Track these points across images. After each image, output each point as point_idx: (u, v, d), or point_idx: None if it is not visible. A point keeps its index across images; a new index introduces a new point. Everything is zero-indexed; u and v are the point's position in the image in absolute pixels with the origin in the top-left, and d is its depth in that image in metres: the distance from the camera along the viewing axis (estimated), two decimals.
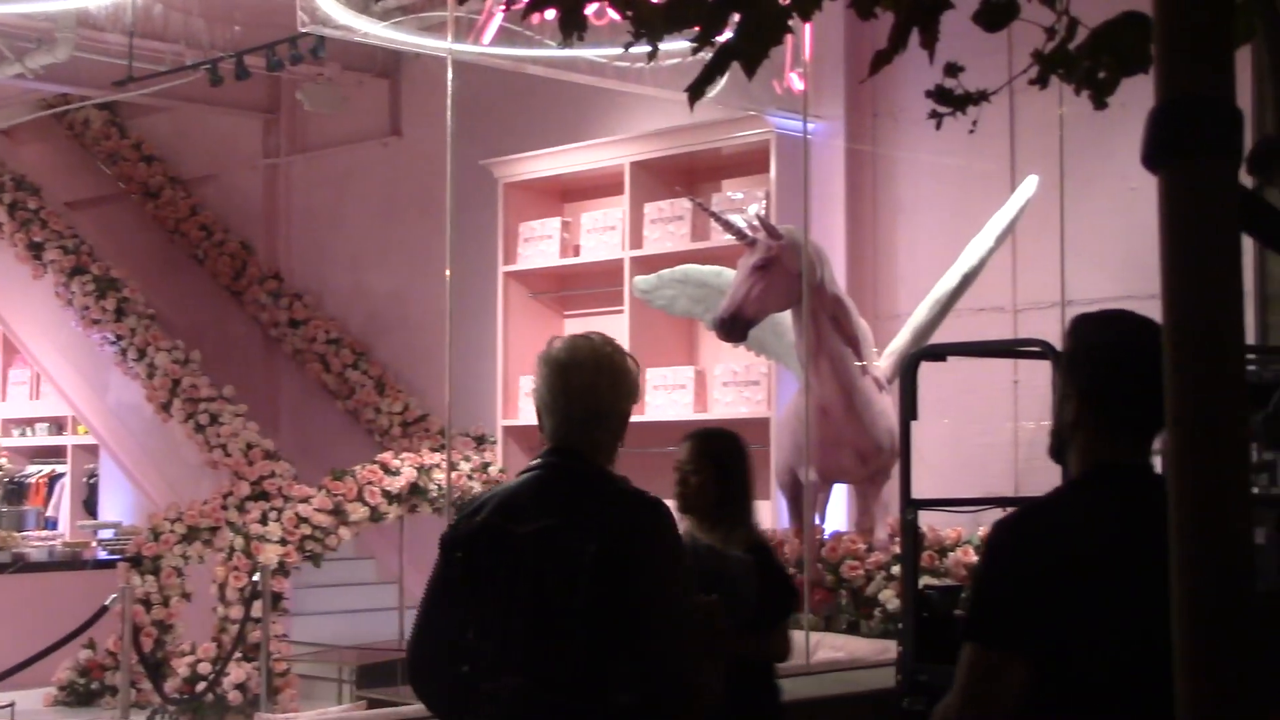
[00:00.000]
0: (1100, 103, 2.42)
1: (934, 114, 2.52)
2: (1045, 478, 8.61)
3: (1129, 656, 2.59)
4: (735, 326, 7.51)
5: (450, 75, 5.67)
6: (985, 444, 8.90)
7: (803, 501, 8.26)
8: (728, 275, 8.17)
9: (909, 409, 5.82)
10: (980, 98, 2.47)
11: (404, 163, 12.29)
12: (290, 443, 11.80)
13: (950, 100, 2.47)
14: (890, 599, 7.40)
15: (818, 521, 7.95)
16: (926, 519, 8.07)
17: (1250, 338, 7.83)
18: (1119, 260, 8.54)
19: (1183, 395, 1.65)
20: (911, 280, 9.29)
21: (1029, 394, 8.82)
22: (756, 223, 7.77)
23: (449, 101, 5.70)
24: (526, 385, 10.63)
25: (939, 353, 5.99)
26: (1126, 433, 2.73)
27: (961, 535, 7.83)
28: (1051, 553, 2.63)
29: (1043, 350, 5.76)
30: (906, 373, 5.83)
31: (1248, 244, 7.38)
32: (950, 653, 5.83)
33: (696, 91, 2.46)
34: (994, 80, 3.16)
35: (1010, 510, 2.85)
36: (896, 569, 7.49)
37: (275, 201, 13.24)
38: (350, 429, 12.11)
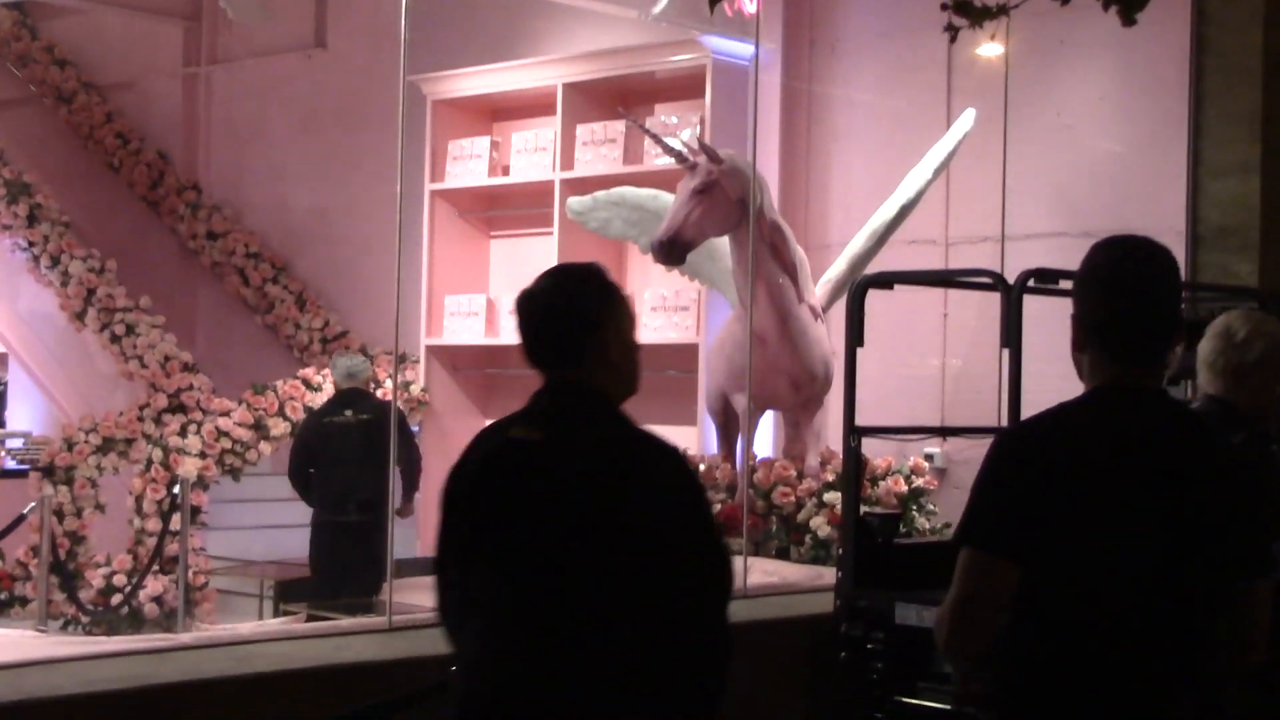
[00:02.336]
0: (1129, 19, 2.39)
1: (950, 27, 2.48)
2: (971, 410, 8.65)
3: (1116, 569, 2.71)
4: (674, 250, 7.46)
5: None
6: (911, 375, 8.95)
7: (733, 428, 8.28)
8: (665, 199, 8.12)
9: (855, 336, 5.82)
10: (1000, 12, 2.43)
11: (328, 76, 12.08)
12: (207, 356, 11.61)
13: (971, 12, 2.42)
14: (821, 526, 7.44)
15: (749, 449, 7.95)
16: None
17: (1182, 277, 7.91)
18: (1051, 196, 8.59)
19: None
20: (844, 210, 9.29)
21: (957, 327, 8.88)
22: (696, 146, 7.72)
23: (404, 8, 5.58)
24: (452, 305, 10.54)
25: (887, 280, 5.99)
26: (1125, 355, 2.83)
27: (891, 465, 7.87)
28: (1047, 466, 2.74)
29: (993, 281, 5.77)
30: (854, 300, 5.83)
31: (1180, 187, 7.33)
32: (888, 578, 5.88)
33: None
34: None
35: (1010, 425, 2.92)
36: (828, 496, 7.54)
37: (195, 111, 12.96)
38: (269, 344, 11.95)
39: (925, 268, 8.42)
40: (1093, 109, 8.46)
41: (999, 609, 2.73)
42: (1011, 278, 5.73)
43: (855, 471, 5.77)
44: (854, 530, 5.65)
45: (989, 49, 8.63)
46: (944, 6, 2.51)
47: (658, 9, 7.05)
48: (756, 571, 6.96)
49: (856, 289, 5.88)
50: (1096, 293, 2.87)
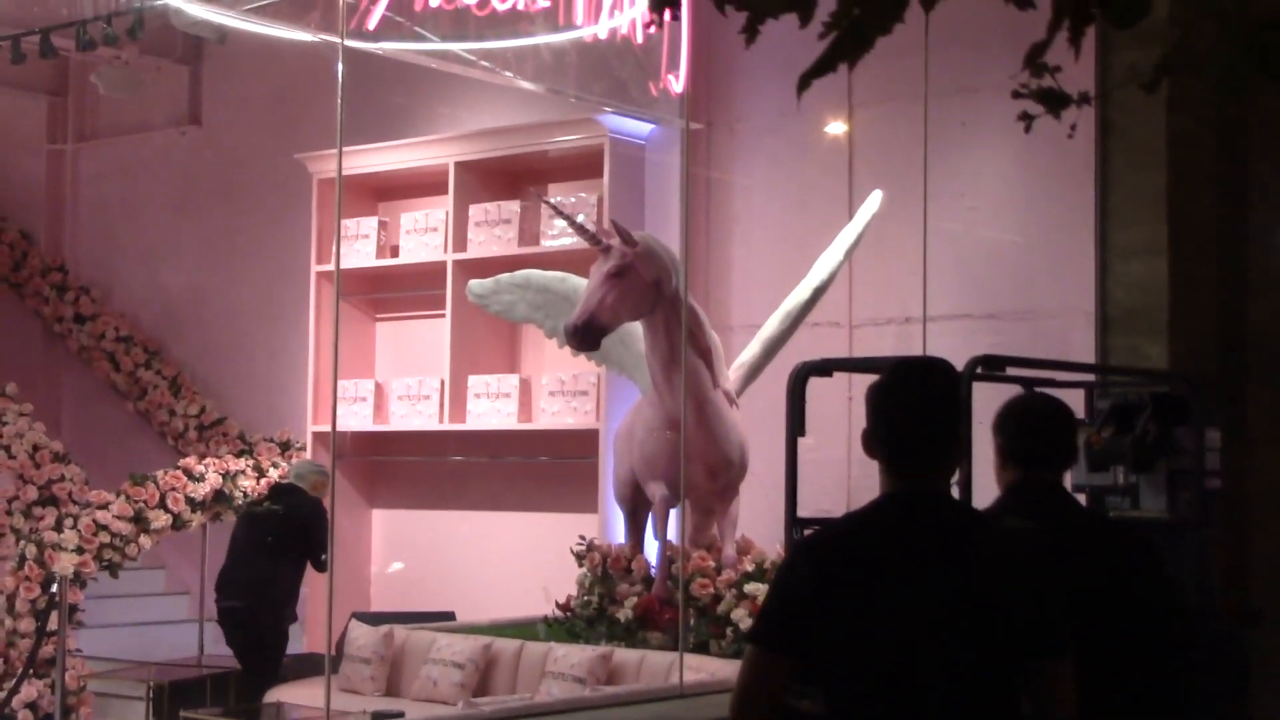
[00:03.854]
0: (1222, 113, 2.25)
1: (1024, 116, 2.34)
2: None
3: (900, 662, 2.97)
4: (589, 335, 7.26)
5: (340, 67, 5.33)
6: (816, 460, 8.80)
7: (641, 516, 8.07)
8: (574, 281, 7.93)
9: (796, 425, 5.68)
10: (1083, 100, 2.29)
11: (203, 153, 11.72)
12: (75, 445, 11.07)
13: (1051, 101, 2.28)
14: (743, 618, 7.23)
15: (667, 538, 7.72)
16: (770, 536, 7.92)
17: (1091, 358, 7.90)
18: (956, 278, 8.53)
19: None
20: (745, 292, 9.17)
21: (862, 410, 8.75)
22: (609, 227, 7.55)
23: (339, 90, 5.34)
24: (339, 390, 10.20)
25: (827, 367, 5.85)
26: (905, 466, 3.10)
27: None
28: (827, 569, 3.04)
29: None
30: (795, 387, 5.68)
31: (1088, 268, 7.28)
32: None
33: (805, 82, 2.23)
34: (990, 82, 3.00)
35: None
36: (748, 587, 7.35)
37: (60, 189, 12.47)
38: (140, 431, 11.49)
39: (829, 352, 8.29)
40: (997, 191, 8.44)
41: (772, 697, 3.02)
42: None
43: None
44: None
45: (887, 132, 8.61)
46: (1017, 95, 2.36)
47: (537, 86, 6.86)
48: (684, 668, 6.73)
49: (796, 376, 5.73)
50: (879, 409, 3.15)
